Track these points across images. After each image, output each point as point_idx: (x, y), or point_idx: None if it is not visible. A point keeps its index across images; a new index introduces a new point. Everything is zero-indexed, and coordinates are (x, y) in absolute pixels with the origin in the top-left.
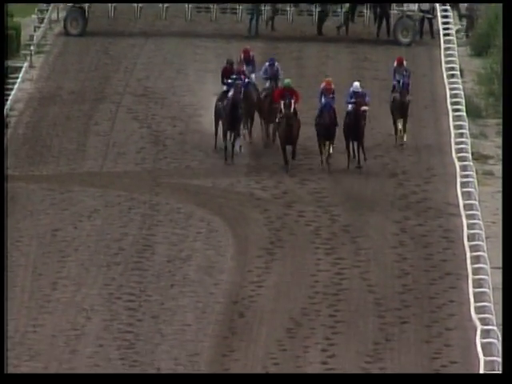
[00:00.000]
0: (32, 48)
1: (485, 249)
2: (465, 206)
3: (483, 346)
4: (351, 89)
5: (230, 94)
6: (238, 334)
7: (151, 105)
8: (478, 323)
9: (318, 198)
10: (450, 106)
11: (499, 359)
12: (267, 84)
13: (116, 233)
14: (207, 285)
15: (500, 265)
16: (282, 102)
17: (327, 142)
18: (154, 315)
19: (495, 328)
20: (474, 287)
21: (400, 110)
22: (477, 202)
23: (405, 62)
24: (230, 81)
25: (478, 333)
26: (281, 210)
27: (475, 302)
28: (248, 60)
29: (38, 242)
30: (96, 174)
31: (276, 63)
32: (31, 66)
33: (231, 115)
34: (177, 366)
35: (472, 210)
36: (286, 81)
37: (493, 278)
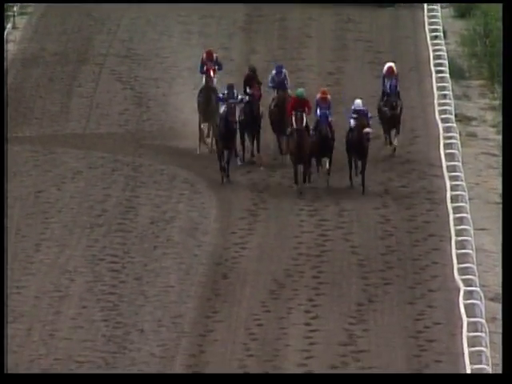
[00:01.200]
0: (15, 9)
1: (468, 210)
2: (448, 167)
3: (466, 306)
4: (353, 106)
5: (222, 111)
6: (222, 295)
7: (134, 66)
8: (461, 284)
9: None
10: (433, 68)
11: (482, 320)
12: (275, 93)
13: (99, 194)
14: (190, 246)
15: (484, 226)
16: (294, 116)
17: (324, 159)
18: (137, 277)
19: (478, 289)
20: (457, 249)
21: (391, 122)
22: (460, 164)
23: (395, 70)
24: (221, 95)
25: (461, 294)
26: (264, 172)
27: (458, 263)
28: (211, 61)
29: (21, 203)
30: (79, 136)
31: (283, 70)
32: (14, 28)
33: (225, 134)
34: (160, 328)
35: (455, 171)
36: (299, 91)
37: (476, 240)
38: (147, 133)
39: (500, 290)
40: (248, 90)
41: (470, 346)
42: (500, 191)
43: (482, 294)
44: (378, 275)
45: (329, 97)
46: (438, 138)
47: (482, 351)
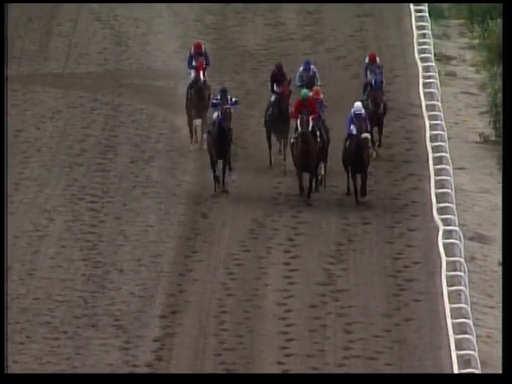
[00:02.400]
0: None
1: (447, 149)
2: (427, 106)
3: (445, 246)
4: (352, 110)
5: (215, 116)
6: (201, 234)
7: (113, 5)
8: (440, 224)
9: None
10: (412, 7)
11: (461, 259)
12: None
13: (78, 134)
14: (170, 186)
15: (463, 166)
16: (299, 119)
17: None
18: (116, 216)
19: (457, 228)
20: (436, 188)
21: (373, 121)
22: (439, 103)
23: (378, 59)
24: (214, 101)
25: (440, 233)
26: (244, 111)
27: (437, 202)
28: (200, 54)
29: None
30: (58, 75)
31: (312, 66)
32: None
33: (219, 143)
34: (139, 267)
35: (434, 110)
36: (303, 92)
37: (455, 179)
38: (126, 72)
39: (479, 230)
40: (276, 88)
41: (449, 285)
42: (479, 130)
43: (460, 234)
44: (357, 215)
45: (321, 96)
46: (418, 78)
47: (461, 290)
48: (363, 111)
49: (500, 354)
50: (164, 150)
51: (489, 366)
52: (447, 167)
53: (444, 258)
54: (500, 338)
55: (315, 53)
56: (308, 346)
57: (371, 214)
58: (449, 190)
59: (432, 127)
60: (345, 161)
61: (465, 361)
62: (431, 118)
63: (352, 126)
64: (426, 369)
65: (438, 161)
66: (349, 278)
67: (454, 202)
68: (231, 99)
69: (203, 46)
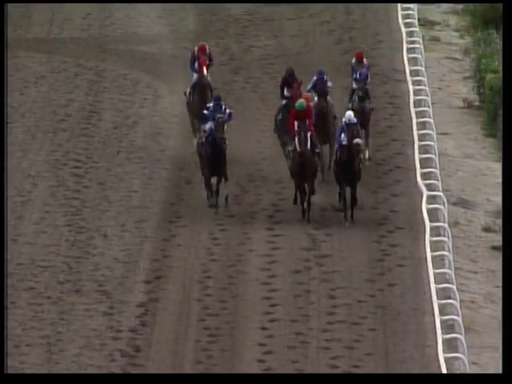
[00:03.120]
0: None
1: (431, 115)
2: (411, 72)
3: (429, 211)
4: (344, 120)
5: (208, 127)
6: (185, 200)
7: None
8: (423, 189)
9: (264, 64)
10: None
11: (445, 225)
12: (315, 100)
13: (62, 99)
14: (154, 151)
15: (446, 131)
16: (297, 137)
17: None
18: (100, 182)
19: (441, 194)
20: (420, 153)
21: (359, 118)
22: (423, 68)
23: (365, 60)
24: (205, 112)
25: (424, 199)
26: (227, 76)
27: (421, 168)
28: (204, 55)
29: None
30: (42, 40)
31: (325, 77)
32: None
33: (213, 159)
34: (123, 233)
35: (418, 76)
36: (299, 103)
37: (439, 144)
38: (110, 37)
39: (463, 195)
40: (286, 93)
41: (432, 250)
42: (463, 95)
43: (444, 199)
44: None
45: (312, 103)
46: (401, 43)
47: (444, 256)
48: (355, 121)
49: (483, 320)
50: (148, 115)
51: (472, 330)
52: (431, 132)
53: (428, 224)
54: (484, 304)
55: (299, 18)
56: (292, 311)
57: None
58: (432, 156)
59: (416, 92)
60: (336, 172)
61: (448, 326)
62: (415, 83)
63: (342, 136)
64: (409, 334)
65: (422, 126)
66: (333, 243)
67: (438, 167)
68: (225, 109)
69: (207, 48)
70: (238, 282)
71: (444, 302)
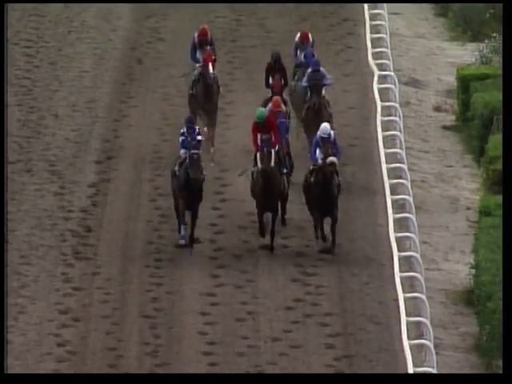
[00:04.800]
0: None
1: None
2: None
3: (380, 91)
4: (318, 133)
5: (182, 157)
6: (137, 80)
7: None
8: (375, 69)
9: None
10: None
11: (396, 105)
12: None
13: None
14: (105, 31)
15: (397, 11)
16: (259, 153)
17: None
18: (51, 61)
19: (392, 73)
20: (371, 33)
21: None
22: None
23: (310, 38)
24: (181, 138)
25: (375, 78)
26: None
27: (372, 47)
28: (205, 43)
29: None
30: None
31: (321, 68)
32: None
33: (186, 192)
34: (74, 113)
35: None
36: (259, 112)
37: (390, 24)
38: None
39: (414, 75)
40: (271, 82)
41: (383, 130)
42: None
43: (395, 79)
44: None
45: (283, 107)
46: None
47: (395, 135)
48: (332, 135)
49: (434, 199)
50: None
51: (423, 210)
52: (382, 12)
53: (379, 103)
54: (435, 183)
55: None
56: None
57: None
58: (384, 35)
59: (372, 17)
60: (309, 201)
61: (399, 205)
62: None
63: (318, 153)
64: (360, 214)
65: (373, 6)
66: None
67: (389, 47)
68: (198, 134)
69: (209, 33)
70: None
71: (395, 181)
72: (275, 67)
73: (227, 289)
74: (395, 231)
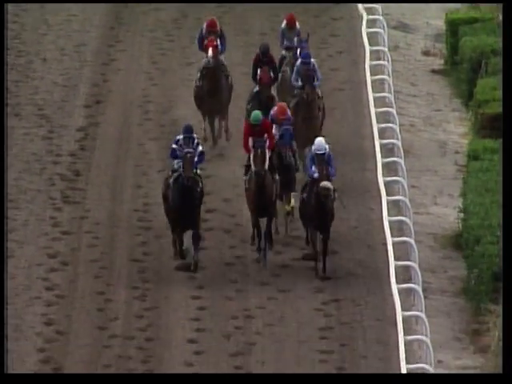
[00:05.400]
0: None
1: None
2: None
3: (369, 35)
4: (313, 148)
5: (177, 165)
6: (125, 24)
7: None
8: (363, 13)
9: None
10: None
11: (385, 49)
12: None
13: None
14: None
15: None
16: (252, 154)
17: (287, 195)
18: (39, 5)
19: (381, 18)
20: None
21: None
22: None
23: (297, 24)
24: (174, 145)
25: (364, 22)
26: None
27: None
28: (214, 34)
29: None
30: None
31: (312, 60)
32: None
33: (183, 210)
34: (63, 57)
35: None
36: (254, 115)
37: None
38: None
39: (403, 19)
40: (259, 74)
41: (372, 74)
42: None
43: (384, 23)
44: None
45: (288, 113)
46: None
47: (384, 79)
48: (327, 150)
49: (422, 143)
50: None
51: (411, 154)
52: None
53: (368, 47)
54: (423, 127)
55: None
56: None
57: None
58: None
59: None
60: (303, 216)
61: (388, 149)
62: None
63: (313, 168)
64: (348, 158)
65: None
66: None
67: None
68: (197, 144)
69: (218, 25)
70: (174, 106)
71: (384, 125)
72: (263, 59)
73: (216, 233)
74: (384, 175)
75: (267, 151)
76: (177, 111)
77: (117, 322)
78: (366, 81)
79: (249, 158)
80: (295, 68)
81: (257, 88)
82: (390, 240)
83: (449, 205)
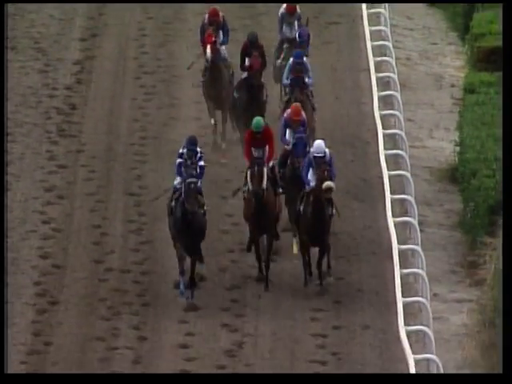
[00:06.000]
0: None
1: None
2: None
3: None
4: (311, 150)
5: (178, 185)
6: None
7: None
8: None
9: None
10: None
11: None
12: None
13: None
14: None
15: None
16: (249, 172)
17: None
18: None
19: None
20: None
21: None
22: None
23: (298, 9)
24: (178, 160)
25: None
26: None
27: None
28: (217, 25)
29: None
30: None
31: (305, 59)
32: None
33: (185, 234)
34: None
35: None
36: (256, 121)
37: None
38: None
39: None
40: (247, 63)
41: (368, 7)
42: None
43: None
44: None
45: (303, 115)
46: None
47: (380, 13)
48: (327, 152)
49: (418, 77)
50: None
51: (407, 87)
52: None
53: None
54: (419, 61)
55: None
56: None
57: None
58: None
59: None
60: (299, 227)
61: (384, 83)
62: None
63: (310, 176)
64: (345, 92)
65: None
66: None
67: None
68: (200, 158)
69: (220, 14)
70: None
71: (380, 59)
72: (251, 48)
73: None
74: (380, 109)
75: (265, 168)
76: (173, 45)
77: (113, 255)
78: (361, 14)
79: (246, 173)
80: (287, 66)
81: (245, 75)
82: (386, 173)
83: (445, 138)
